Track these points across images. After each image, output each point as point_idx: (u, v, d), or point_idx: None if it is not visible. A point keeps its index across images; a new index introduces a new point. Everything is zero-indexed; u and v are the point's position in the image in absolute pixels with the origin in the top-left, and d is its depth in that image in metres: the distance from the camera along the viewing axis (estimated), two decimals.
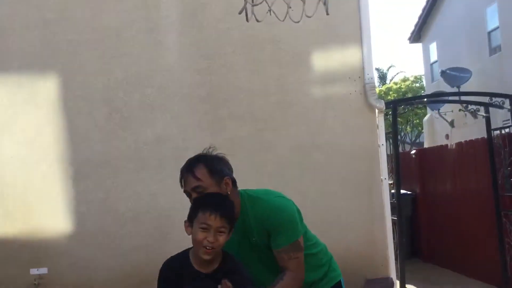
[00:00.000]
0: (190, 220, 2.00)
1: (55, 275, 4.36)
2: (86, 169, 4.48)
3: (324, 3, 1.61)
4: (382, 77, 29.97)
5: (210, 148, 2.22)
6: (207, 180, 2.07)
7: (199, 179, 2.07)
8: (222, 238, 1.94)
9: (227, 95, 4.68)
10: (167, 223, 4.41)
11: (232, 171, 2.22)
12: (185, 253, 2.06)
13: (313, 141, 4.72)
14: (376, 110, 4.79)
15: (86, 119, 4.53)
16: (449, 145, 6.67)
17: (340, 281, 2.39)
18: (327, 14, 1.67)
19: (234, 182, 2.19)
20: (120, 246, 4.43)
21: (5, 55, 4.52)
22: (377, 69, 29.89)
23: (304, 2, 1.71)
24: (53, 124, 4.50)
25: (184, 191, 2.13)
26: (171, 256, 2.08)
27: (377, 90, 23.38)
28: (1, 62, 4.52)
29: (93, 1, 4.62)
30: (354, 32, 4.79)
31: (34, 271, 4.34)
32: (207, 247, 1.91)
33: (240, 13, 1.62)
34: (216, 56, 4.67)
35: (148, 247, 4.35)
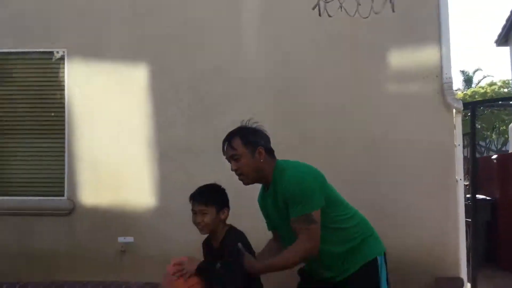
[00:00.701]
0: None
1: (139, 244, 4.82)
2: (171, 152, 4.89)
3: (390, 1, 1.76)
4: (468, 80, 28.68)
5: (249, 120, 2.52)
6: (241, 149, 2.46)
7: (235, 148, 2.47)
8: (207, 217, 2.52)
9: (302, 89, 4.87)
10: (241, 203, 4.67)
11: (268, 142, 2.49)
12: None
13: (387, 137, 4.79)
14: (454, 110, 4.77)
15: (172, 106, 4.93)
16: None
17: (376, 259, 2.45)
18: (393, 11, 1.82)
19: (269, 151, 2.47)
20: None
21: (101, 46, 5.04)
22: (463, 72, 28.66)
23: (372, 0, 1.86)
24: (142, 109, 4.94)
25: (226, 159, 2.53)
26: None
27: (461, 94, 22.44)
28: (98, 52, 5.03)
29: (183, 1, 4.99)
30: (433, 30, 4.80)
31: (121, 240, 4.82)
32: (198, 226, 2.55)
33: (313, 8, 1.82)
34: (293, 50, 4.88)
35: None
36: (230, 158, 2.48)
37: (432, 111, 4.78)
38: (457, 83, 30.37)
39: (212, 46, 4.94)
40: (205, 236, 2.80)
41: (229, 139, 2.51)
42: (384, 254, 2.53)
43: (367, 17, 2.32)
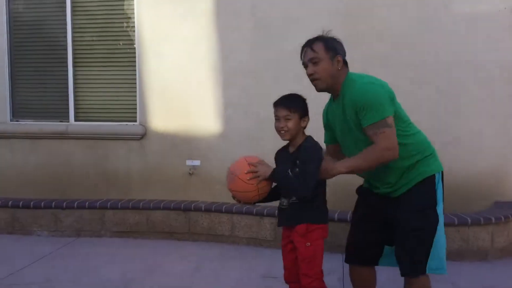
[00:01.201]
0: None
1: (206, 167, 5.12)
2: (234, 77, 5.03)
3: None
4: None
5: (328, 31, 2.57)
6: (322, 53, 2.46)
7: (316, 51, 2.47)
8: (290, 123, 2.52)
9: (366, 10, 4.76)
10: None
11: (345, 54, 2.53)
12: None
13: (453, 59, 4.66)
14: None
15: (234, 32, 5.00)
16: None
17: (433, 175, 2.49)
18: None
19: (345, 63, 2.52)
20: (260, 147, 4.94)
21: None
22: None
23: None
24: (207, 36, 5.06)
25: (303, 63, 2.54)
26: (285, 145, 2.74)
27: None
28: None
29: None
30: None
31: (189, 162, 5.13)
32: (281, 131, 2.55)
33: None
34: None
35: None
36: (309, 61, 2.46)
37: (502, 30, 4.58)
38: None
39: None
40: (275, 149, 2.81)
41: (310, 43, 2.50)
42: (442, 173, 2.56)
43: None
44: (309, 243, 2.52)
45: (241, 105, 4.99)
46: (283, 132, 2.54)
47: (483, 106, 4.66)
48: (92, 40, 5.38)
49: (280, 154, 2.70)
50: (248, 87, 4.99)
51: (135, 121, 5.27)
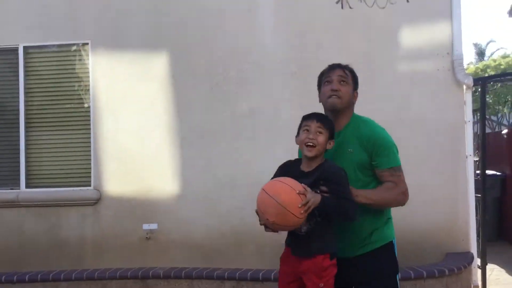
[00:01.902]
0: (298, 133, 2.46)
1: (163, 230, 5.01)
2: (191, 137, 5.05)
3: None
4: (480, 53, 28.25)
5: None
6: (350, 79, 2.56)
7: (347, 75, 2.54)
8: (321, 138, 2.35)
9: (317, 71, 4.95)
10: (259, 188, 4.82)
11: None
12: (299, 159, 2.49)
13: (398, 116, 4.87)
14: (464, 86, 4.85)
15: (191, 92, 5.07)
16: None
17: (392, 242, 2.53)
18: (408, 1, 1.95)
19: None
20: (218, 208, 4.97)
21: (123, 35, 5.18)
22: (475, 44, 28.25)
23: None
24: (163, 97, 5.10)
25: (326, 79, 2.54)
26: (290, 160, 2.53)
27: (474, 67, 21.91)
28: (120, 41, 5.18)
29: None
30: (444, 7, 4.86)
31: (146, 227, 5.01)
32: (309, 143, 2.34)
33: (337, 2, 1.91)
34: (307, 33, 4.98)
35: (242, 210, 4.79)
36: (337, 78, 2.49)
37: (443, 88, 4.86)
38: (470, 56, 29.97)
39: (229, 31, 5.05)
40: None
41: (343, 65, 2.58)
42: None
43: (384, 7, 2.46)
44: (322, 285, 2.28)
45: (198, 166, 5.00)
46: (310, 144, 2.33)
47: (431, 161, 4.84)
48: (45, 103, 5.30)
49: (290, 169, 2.43)
50: (205, 147, 5.02)
51: (89, 185, 5.15)
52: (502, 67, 20.92)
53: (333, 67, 2.57)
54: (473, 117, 5.43)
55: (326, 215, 2.28)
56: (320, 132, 2.36)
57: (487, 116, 18.28)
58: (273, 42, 5.03)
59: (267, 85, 4.97)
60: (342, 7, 2.53)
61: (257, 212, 2.30)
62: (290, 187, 2.19)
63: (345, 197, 2.27)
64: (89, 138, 5.17)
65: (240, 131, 4.95)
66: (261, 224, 2.31)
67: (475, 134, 6.22)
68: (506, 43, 49.70)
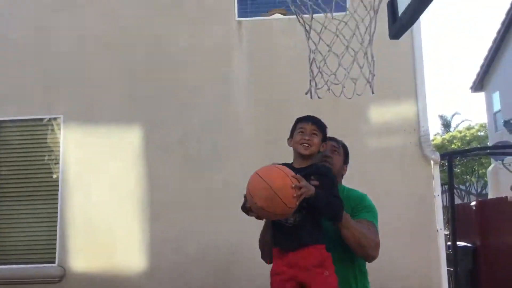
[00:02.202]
0: (291, 135, 2.49)
1: None
2: (162, 211, 4.98)
3: (370, 86, 2.01)
4: (446, 125, 29.28)
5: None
6: (320, 134, 2.46)
7: (319, 130, 2.46)
8: (315, 139, 2.39)
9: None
10: (232, 259, 4.75)
11: None
12: (290, 163, 2.44)
13: (369, 190, 4.89)
14: (432, 162, 4.98)
15: (164, 166, 5.06)
16: (508, 197, 6.63)
17: None
18: (373, 93, 2.05)
19: None
20: (189, 282, 4.81)
21: (97, 109, 5.22)
22: (441, 116, 29.30)
23: (355, 84, 2.10)
24: (135, 170, 5.07)
25: (301, 127, 2.48)
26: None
27: (440, 138, 22.63)
28: (93, 115, 5.21)
29: (174, 62, 5.24)
30: (410, 87, 5.10)
31: None
32: (305, 144, 2.37)
33: (306, 93, 1.96)
34: (280, 106, 5.11)
35: (215, 284, 4.69)
36: (311, 130, 2.45)
37: (411, 163, 5.00)
38: (436, 127, 31.01)
39: (202, 105, 5.15)
40: None
41: (318, 119, 2.54)
42: None
43: (350, 98, 2.58)
44: (327, 272, 2.11)
45: (169, 240, 4.89)
46: (306, 145, 2.36)
47: (402, 236, 4.84)
48: (14, 175, 5.21)
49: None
50: (177, 221, 4.94)
51: (54, 262, 4.95)
52: (467, 138, 21.72)
53: (306, 118, 2.55)
54: (441, 188, 5.54)
55: (314, 209, 2.15)
56: (315, 134, 2.41)
57: (456, 186, 18.70)
58: (247, 115, 5.13)
59: (241, 157, 5.00)
60: (311, 97, 2.62)
61: (245, 196, 2.15)
62: (285, 173, 2.10)
63: (336, 196, 2.25)
64: (56, 211, 5.04)
65: (213, 204, 4.90)
66: (245, 208, 2.16)
67: (444, 207, 6.32)
68: (470, 115, 51.94)
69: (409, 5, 2.33)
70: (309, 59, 1.98)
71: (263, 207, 2.04)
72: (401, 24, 2.48)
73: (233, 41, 5.28)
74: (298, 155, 2.41)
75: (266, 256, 2.39)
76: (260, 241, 2.45)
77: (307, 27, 2.28)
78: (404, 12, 2.41)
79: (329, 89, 2.24)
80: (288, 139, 2.51)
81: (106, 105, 5.21)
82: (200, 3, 5.40)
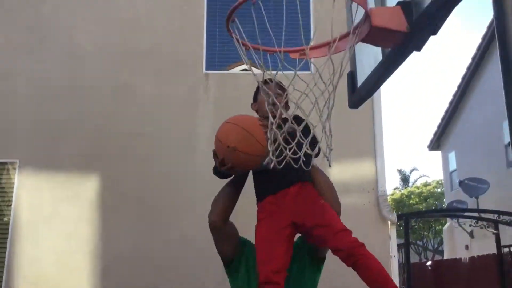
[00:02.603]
0: (255, 99, 2.39)
1: None
2: (115, 264, 4.81)
3: (328, 159, 2.05)
4: (405, 180, 29.95)
5: None
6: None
7: None
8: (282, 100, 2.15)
9: (250, 200, 5.03)
10: None
11: None
12: None
13: None
14: (389, 222, 5.06)
15: (120, 217, 4.95)
16: (462, 258, 6.78)
17: None
18: (330, 166, 2.08)
19: None
20: None
21: (55, 156, 5.10)
22: (400, 171, 29.99)
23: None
24: (89, 221, 4.93)
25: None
26: None
27: (399, 193, 23.05)
28: (51, 162, 5.09)
29: (138, 112, 5.23)
30: (369, 147, 5.23)
31: None
32: (275, 107, 2.10)
33: (265, 163, 1.92)
34: None
35: None
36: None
37: (369, 223, 5.06)
38: (395, 182, 31.66)
39: (161, 158, 5.10)
40: None
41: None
42: None
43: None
44: (323, 201, 2.16)
45: None
46: (276, 108, 2.02)
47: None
48: None
49: None
50: (131, 277, 4.77)
51: None
52: (424, 194, 22.25)
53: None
54: (398, 249, 5.62)
55: (292, 139, 1.94)
56: (281, 95, 2.20)
57: (413, 241, 18.94)
58: (207, 169, 5.09)
59: (200, 212, 4.93)
60: (270, 167, 2.63)
61: (214, 154, 2.08)
62: (255, 117, 2.10)
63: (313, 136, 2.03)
64: (4, 262, 4.80)
65: (171, 260, 4.78)
66: (217, 167, 2.10)
67: (400, 265, 6.37)
68: (428, 171, 53.52)
69: (366, 79, 2.42)
70: (269, 128, 1.99)
71: (237, 148, 1.99)
72: (359, 96, 2.57)
73: (199, 92, 5.34)
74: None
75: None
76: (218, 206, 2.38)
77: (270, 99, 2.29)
78: (363, 85, 2.50)
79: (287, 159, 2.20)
80: (252, 103, 2.45)
81: (64, 152, 5.10)
82: (169, 54, 5.45)
